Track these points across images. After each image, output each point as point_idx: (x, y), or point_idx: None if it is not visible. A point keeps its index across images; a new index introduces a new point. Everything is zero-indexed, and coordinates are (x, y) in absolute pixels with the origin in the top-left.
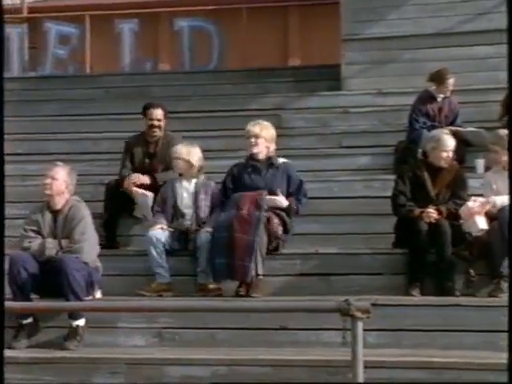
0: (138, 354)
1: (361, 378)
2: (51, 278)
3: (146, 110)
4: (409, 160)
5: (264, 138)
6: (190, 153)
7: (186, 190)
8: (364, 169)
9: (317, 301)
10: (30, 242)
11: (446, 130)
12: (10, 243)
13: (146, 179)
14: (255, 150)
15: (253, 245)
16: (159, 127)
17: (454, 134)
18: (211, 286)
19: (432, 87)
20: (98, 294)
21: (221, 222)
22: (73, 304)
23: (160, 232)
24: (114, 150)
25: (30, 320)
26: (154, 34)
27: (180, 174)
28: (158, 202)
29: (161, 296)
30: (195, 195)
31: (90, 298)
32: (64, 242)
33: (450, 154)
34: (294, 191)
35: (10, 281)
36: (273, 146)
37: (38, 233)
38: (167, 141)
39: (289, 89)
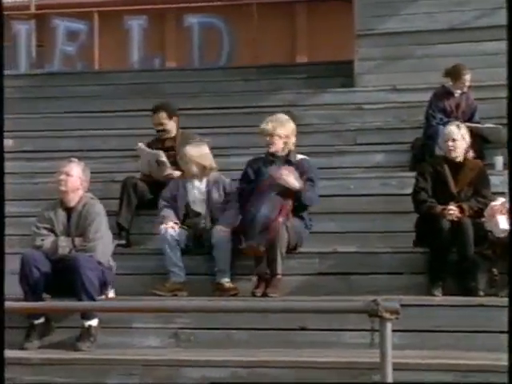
0: (153, 355)
1: (390, 380)
2: (64, 277)
3: (152, 113)
4: (426, 157)
5: (278, 135)
6: (202, 155)
7: (197, 189)
8: (380, 166)
9: (337, 301)
10: (42, 240)
11: (456, 122)
12: (22, 242)
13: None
14: (272, 149)
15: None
16: (164, 130)
17: (472, 131)
18: (227, 286)
19: (449, 83)
20: (111, 294)
21: None
22: (86, 304)
23: (175, 230)
24: (123, 147)
25: (41, 320)
26: (163, 31)
27: (189, 173)
28: (166, 198)
29: (175, 295)
30: (208, 194)
31: (103, 297)
32: (77, 241)
33: (458, 144)
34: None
35: (22, 280)
36: (292, 140)
37: (51, 230)
38: (184, 137)
39: (301, 85)
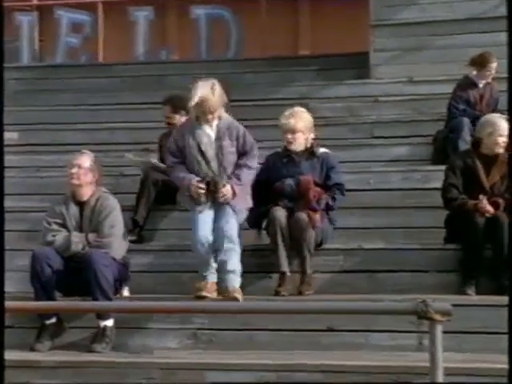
0: (173, 358)
1: None
2: (77, 275)
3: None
4: (449, 150)
5: (301, 131)
6: (218, 94)
7: (206, 135)
8: (399, 160)
9: (363, 300)
10: (53, 236)
11: (498, 114)
12: (28, 237)
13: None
14: (293, 147)
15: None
16: (170, 124)
17: None
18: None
19: (473, 73)
20: (126, 292)
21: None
22: (102, 304)
23: (206, 223)
24: (132, 141)
25: (53, 320)
26: (170, 23)
27: (196, 118)
28: (173, 150)
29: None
30: (218, 142)
31: (118, 296)
32: (91, 236)
33: (505, 140)
34: (333, 185)
35: (33, 278)
36: (311, 135)
37: (63, 226)
38: None
39: (313, 78)
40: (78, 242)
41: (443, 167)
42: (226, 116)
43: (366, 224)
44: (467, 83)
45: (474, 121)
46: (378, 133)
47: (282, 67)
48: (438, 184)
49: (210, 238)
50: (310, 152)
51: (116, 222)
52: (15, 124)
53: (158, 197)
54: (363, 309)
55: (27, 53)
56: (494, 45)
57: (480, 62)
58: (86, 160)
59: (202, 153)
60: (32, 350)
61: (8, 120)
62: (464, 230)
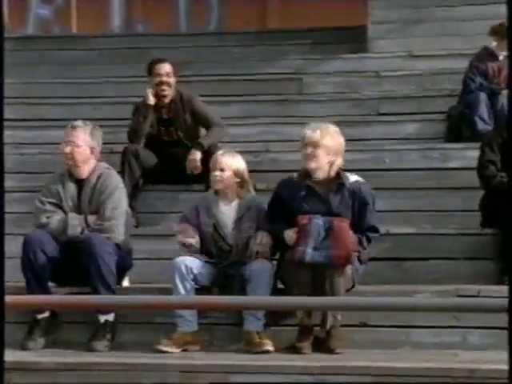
0: (190, 359)
1: None
2: (75, 263)
3: (151, 66)
4: (463, 128)
5: (326, 148)
6: (242, 167)
7: (225, 215)
8: (412, 138)
9: (397, 292)
10: (47, 218)
11: None
12: (10, 221)
13: None
14: (313, 165)
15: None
16: (168, 84)
17: None
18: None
19: (492, 43)
20: (126, 282)
21: None
22: (108, 298)
23: (191, 260)
24: (117, 116)
25: (46, 314)
26: None
27: (216, 192)
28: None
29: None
30: (238, 222)
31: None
32: (91, 219)
33: None
34: (365, 225)
35: (25, 266)
36: (339, 161)
37: (58, 206)
38: (182, 101)
39: (306, 52)
40: (75, 224)
41: (461, 145)
42: (249, 195)
43: (390, 207)
44: (486, 54)
45: (491, 95)
46: (383, 109)
47: (270, 41)
48: (459, 163)
49: (194, 271)
50: (337, 182)
51: (119, 202)
52: None
53: (146, 173)
54: (448, 305)
55: None
56: (496, 17)
57: (501, 31)
58: (79, 136)
59: (219, 233)
60: (23, 348)
61: None
62: (503, 211)
